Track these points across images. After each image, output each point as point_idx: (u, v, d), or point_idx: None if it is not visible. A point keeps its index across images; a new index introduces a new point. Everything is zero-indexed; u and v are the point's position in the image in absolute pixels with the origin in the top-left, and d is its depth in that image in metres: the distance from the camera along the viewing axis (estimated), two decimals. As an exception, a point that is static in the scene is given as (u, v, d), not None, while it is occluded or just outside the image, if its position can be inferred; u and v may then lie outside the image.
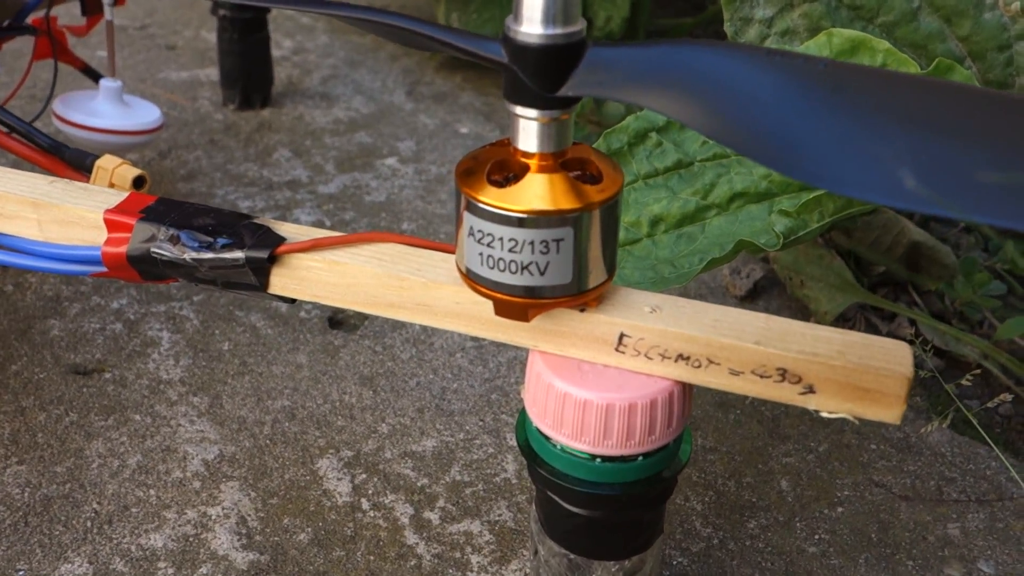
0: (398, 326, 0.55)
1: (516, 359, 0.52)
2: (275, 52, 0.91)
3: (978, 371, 0.48)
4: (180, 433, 0.46)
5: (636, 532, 0.31)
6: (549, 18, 0.24)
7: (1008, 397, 0.41)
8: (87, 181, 0.46)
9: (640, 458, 0.29)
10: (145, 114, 0.62)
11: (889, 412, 0.26)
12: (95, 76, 0.63)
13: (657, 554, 0.33)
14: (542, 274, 0.26)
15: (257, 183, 0.71)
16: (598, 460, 0.29)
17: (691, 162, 0.42)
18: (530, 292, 0.27)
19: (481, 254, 0.27)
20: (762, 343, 0.27)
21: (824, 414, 0.27)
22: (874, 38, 0.42)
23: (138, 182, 0.45)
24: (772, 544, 0.41)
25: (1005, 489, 0.45)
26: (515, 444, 0.46)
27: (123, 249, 0.32)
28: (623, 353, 0.28)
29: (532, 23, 0.25)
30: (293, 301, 0.33)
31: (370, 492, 0.43)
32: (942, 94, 0.21)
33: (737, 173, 0.41)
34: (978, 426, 0.42)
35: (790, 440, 0.47)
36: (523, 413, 0.31)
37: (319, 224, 0.66)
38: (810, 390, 0.27)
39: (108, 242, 0.32)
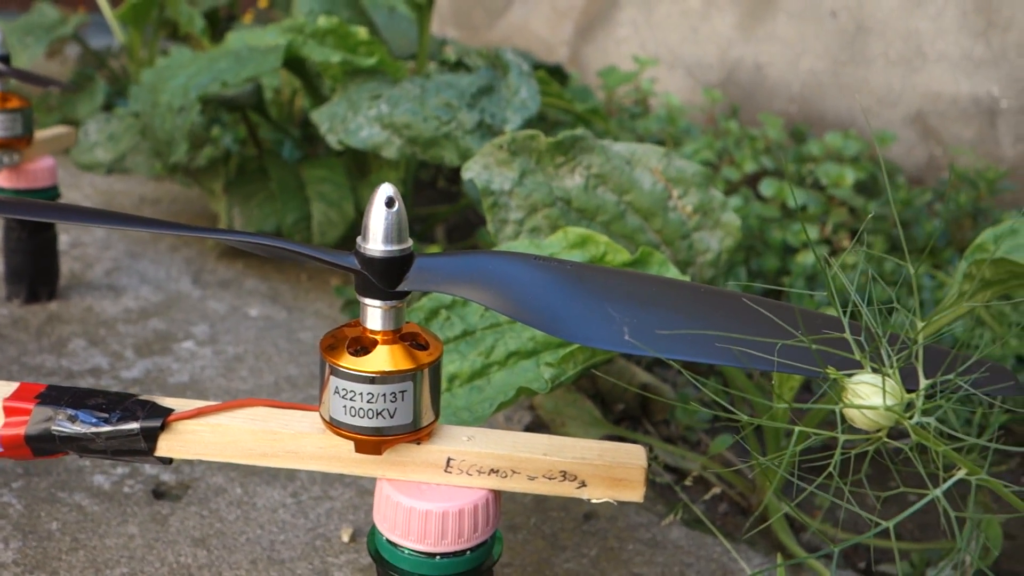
0: (220, 491, 0.61)
1: (333, 510, 0.60)
2: (59, 248, 0.95)
3: (696, 474, 0.62)
4: (24, 608, 0.49)
5: (466, 615, 0.40)
6: (388, 239, 0.35)
7: (717, 490, 0.55)
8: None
9: (468, 552, 0.38)
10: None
11: (635, 494, 0.38)
12: None
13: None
14: (391, 417, 0.36)
15: (57, 373, 0.75)
16: (438, 557, 0.38)
17: (474, 331, 0.54)
18: (382, 431, 0.37)
19: (344, 406, 0.36)
20: (549, 454, 0.38)
21: (594, 501, 0.38)
22: (596, 233, 0.57)
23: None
24: (562, 631, 0.51)
25: (728, 567, 0.58)
26: (343, 579, 0.53)
27: (21, 431, 0.38)
28: (450, 473, 0.38)
29: (376, 242, 0.36)
30: (171, 461, 0.40)
31: (218, 637, 0.49)
32: (642, 281, 0.35)
33: (510, 337, 0.53)
34: (703, 517, 0.56)
35: (568, 549, 0.58)
36: (373, 528, 0.40)
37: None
38: (583, 484, 0.38)
39: (6, 426, 0.38)
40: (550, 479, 0.38)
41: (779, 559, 0.38)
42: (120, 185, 1.25)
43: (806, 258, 0.97)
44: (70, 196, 1.17)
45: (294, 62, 0.99)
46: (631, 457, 0.38)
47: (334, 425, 0.37)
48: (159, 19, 1.48)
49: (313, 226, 0.97)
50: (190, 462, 0.63)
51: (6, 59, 0.79)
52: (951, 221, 1.05)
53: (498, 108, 0.76)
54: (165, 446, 0.39)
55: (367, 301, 0.36)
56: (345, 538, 0.57)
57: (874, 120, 1.47)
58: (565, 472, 0.38)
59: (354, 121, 0.79)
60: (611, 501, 0.38)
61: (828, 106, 1.54)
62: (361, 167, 1.08)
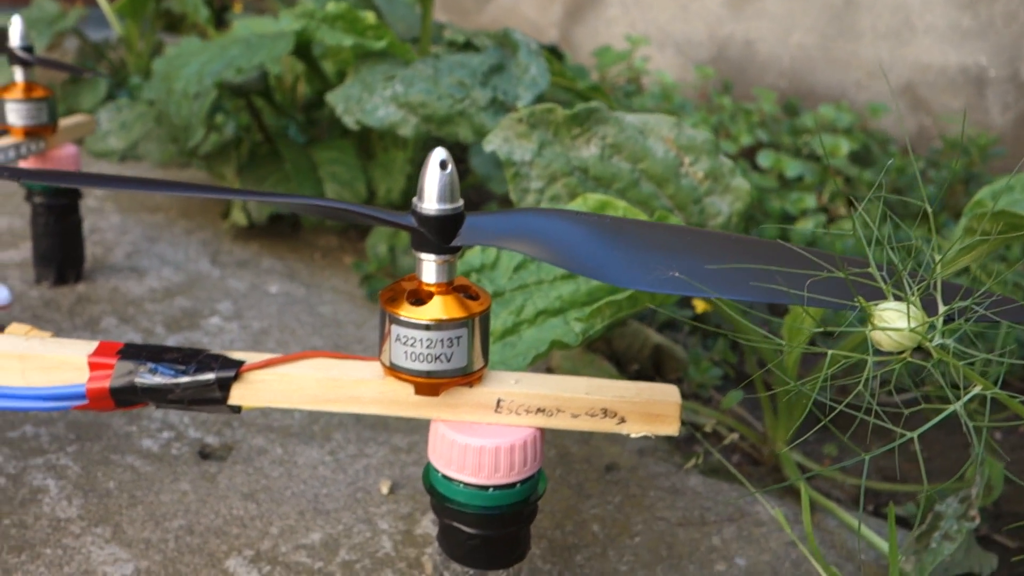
0: (262, 451, 0.64)
1: (370, 465, 0.63)
2: (82, 232, 0.97)
3: (713, 422, 0.66)
4: (94, 558, 0.52)
5: (516, 545, 0.43)
6: (442, 198, 0.39)
7: (736, 435, 0.59)
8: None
9: (518, 485, 0.42)
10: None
11: (671, 428, 0.42)
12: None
13: (526, 566, 0.45)
14: (448, 361, 0.40)
15: (92, 349, 0.78)
16: (490, 489, 0.41)
17: (503, 292, 0.57)
18: (440, 375, 0.40)
19: (405, 352, 0.40)
20: (590, 393, 0.41)
21: (633, 435, 0.42)
22: (614, 199, 0.60)
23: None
24: (595, 569, 0.55)
25: (745, 509, 0.62)
26: (387, 528, 0.57)
27: (106, 384, 0.41)
28: (500, 412, 0.42)
29: (431, 201, 0.39)
30: (239, 410, 0.43)
31: (276, 580, 0.52)
32: (676, 232, 0.38)
33: (538, 297, 0.56)
34: (725, 462, 0.59)
35: (593, 497, 0.62)
36: (428, 466, 0.43)
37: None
38: (622, 420, 0.42)
39: (92, 379, 0.41)
40: (592, 416, 0.41)
41: (802, 489, 0.42)
42: (129, 173, 1.28)
43: (805, 225, 1.01)
44: (83, 184, 1.20)
45: (300, 47, 1.02)
46: (666, 395, 0.42)
47: (395, 370, 0.40)
48: (156, 11, 1.50)
49: (327, 205, 1.00)
50: (231, 425, 0.66)
51: (30, 49, 0.82)
52: (944, 187, 1.08)
53: (510, 85, 0.79)
54: (237, 395, 0.42)
55: (423, 256, 0.40)
56: (384, 490, 0.60)
57: (864, 93, 1.50)
58: (606, 409, 0.41)
59: (370, 102, 0.82)
60: (650, 435, 0.42)
61: (818, 80, 1.57)
62: (367, 149, 1.11)
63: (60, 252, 0.88)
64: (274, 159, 1.05)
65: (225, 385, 0.41)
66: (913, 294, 0.32)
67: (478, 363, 0.41)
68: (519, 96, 0.78)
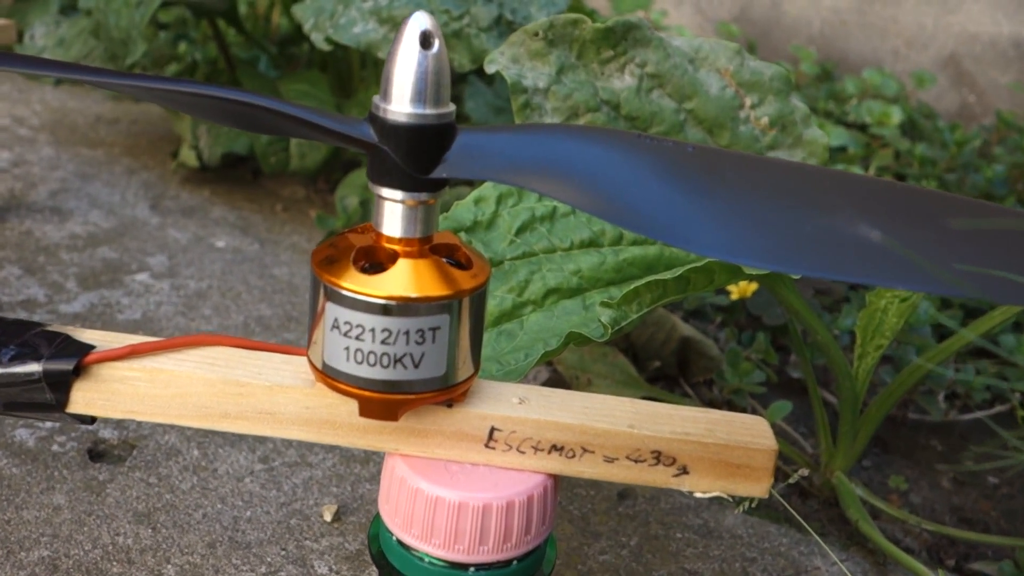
0: (173, 453, 0.49)
1: (312, 479, 0.48)
2: (-6, 161, 0.82)
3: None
4: (-95, 605, 0.37)
5: (506, 645, 0.28)
6: (421, 97, 0.23)
7: (805, 472, 0.44)
8: None
9: (515, 562, 0.27)
10: None
11: (758, 486, 0.27)
12: None
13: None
14: (415, 367, 0.25)
15: (-19, 304, 0.62)
16: (472, 569, 0.26)
17: (501, 260, 0.42)
18: (401, 387, 0.25)
19: (347, 348, 0.24)
20: (635, 427, 0.26)
21: (698, 494, 0.27)
22: (657, 144, 0.45)
23: None
24: (606, 645, 0.41)
25: (800, 563, 0.47)
26: (327, 572, 0.42)
27: None
28: (493, 449, 0.27)
29: (402, 102, 0.23)
30: (93, 421, 0.28)
31: (163, 647, 0.37)
32: (817, 178, 0.23)
33: (548, 270, 0.41)
34: (787, 505, 0.45)
35: (602, 537, 0.47)
36: (376, 520, 0.28)
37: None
38: (684, 471, 0.27)
39: None
40: (637, 462, 0.27)
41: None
42: (74, 103, 1.11)
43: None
44: (18, 112, 1.04)
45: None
46: (753, 434, 0.27)
47: (330, 376, 0.25)
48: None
49: (291, 147, 0.84)
50: (137, 417, 0.51)
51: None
52: (1012, 166, 0.94)
53: (520, 2, 0.63)
54: (82, 399, 0.27)
55: (385, 192, 0.24)
56: (327, 516, 0.45)
57: (902, 64, 1.36)
58: (659, 453, 0.26)
59: (345, 15, 0.66)
60: (723, 495, 0.27)
61: (851, 47, 1.42)
62: (345, 85, 0.95)
63: (-42, 183, 0.72)
64: (233, 90, 0.89)
65: (60, 384, 0.26)
66: None
67: (463, 371, 0.26)
68: (531, 16, 0.63)
